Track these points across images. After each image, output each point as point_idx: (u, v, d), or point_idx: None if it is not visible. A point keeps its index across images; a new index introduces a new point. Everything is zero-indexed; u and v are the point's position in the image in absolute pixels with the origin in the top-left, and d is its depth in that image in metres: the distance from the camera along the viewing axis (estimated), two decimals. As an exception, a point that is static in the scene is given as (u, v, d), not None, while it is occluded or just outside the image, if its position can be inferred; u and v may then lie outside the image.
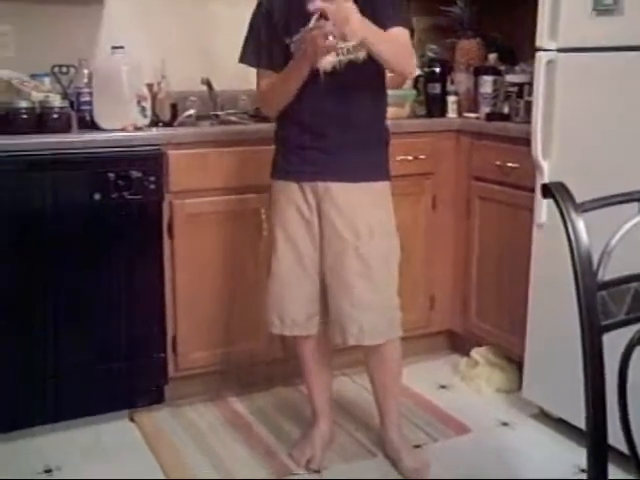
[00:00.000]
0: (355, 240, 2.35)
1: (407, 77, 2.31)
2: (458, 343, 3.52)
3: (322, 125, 2.33)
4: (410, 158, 3.17)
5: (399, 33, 2.29)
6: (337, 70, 2.28)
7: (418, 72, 3.33)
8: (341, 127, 2.33)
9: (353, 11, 2.07)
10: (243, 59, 2.47)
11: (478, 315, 3.34)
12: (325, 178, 2.36)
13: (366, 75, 2.31)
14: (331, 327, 2.44)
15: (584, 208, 1.22)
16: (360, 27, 2.08)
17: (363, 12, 2.14)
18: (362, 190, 2.37)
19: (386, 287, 2.43)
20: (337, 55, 2.27)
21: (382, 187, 2.43)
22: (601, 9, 2.48)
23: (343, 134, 2.34)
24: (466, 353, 3.35)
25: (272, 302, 2.49)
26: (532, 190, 2.80)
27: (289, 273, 2.44)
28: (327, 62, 2.27)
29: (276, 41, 2.37)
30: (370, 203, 2.39)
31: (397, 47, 2.27)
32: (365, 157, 2.38)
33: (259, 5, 2.45)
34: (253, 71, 2.49)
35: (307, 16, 2.20)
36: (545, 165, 2.73)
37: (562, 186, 1.23)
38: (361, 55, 2.27)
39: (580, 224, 1.19)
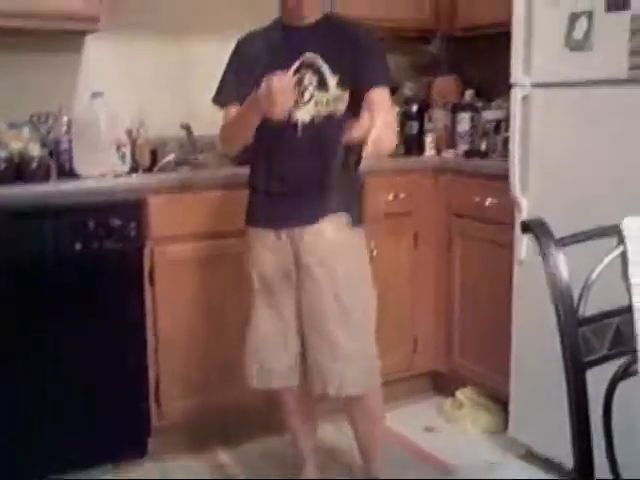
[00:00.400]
0: (333, 286, 2.32)
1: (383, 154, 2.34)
2: (442, 384, 3.49)
3: (298, 173, 2.32)
4: (390, 197, 3.17)
5: (381, 97, 2.28)
6: (315, 122, 2.29)
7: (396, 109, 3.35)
8: (317, 176, 2.31)
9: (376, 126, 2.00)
10: (216, 100, 2.46)
11: (462, 355, 3.33)
12: (300, 223, 2.33)
13: (343, 126, 2.23)
14: (310, 378, 2.40)
15: (563, 243, 1.23)
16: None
17: (343, 56, 2.20)
18: (338, 235, 2.34)
19: (365, 335, 2.40)
20: (316, 105, 2.28)
21: (357, 232, 2.41)
22: (572, 45, 2.52)
23: (317, 180, 2.32)
24: (451, 394, 3.32)
25: (251, 354, 2.45)
26: (512, 226, 2.81)
27: (267, 324, 2.41)
28: (306, 113, 2.28)
29: (252, 84, 2.30)
30: (347, 249, 2.37)
31: (387, 130, 2.15)
32: (339, 202, 2.34)
33: (238, 47, 2.45)
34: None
35: (285, 63, 2.23)
36: (524, 201, 2.75)
37: (541, 222, 1.24)
38: (340, 107, 2.29)
39: (560, 259, 1.20)
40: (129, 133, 3.05)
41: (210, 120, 3.39)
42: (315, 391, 2.41)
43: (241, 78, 2.37)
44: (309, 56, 2.29)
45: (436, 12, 3.64)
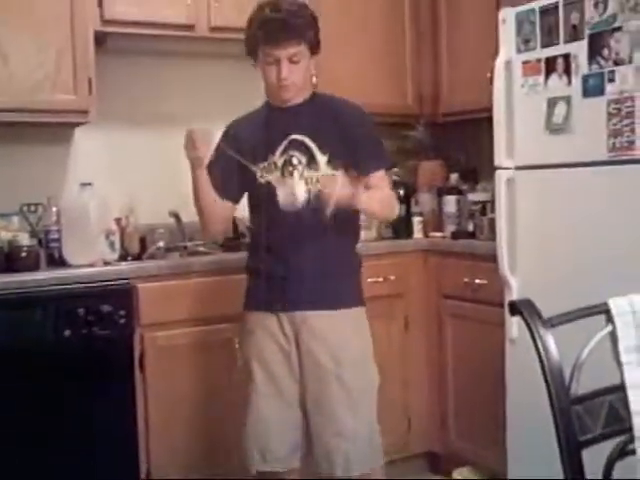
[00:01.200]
0: (336, 368, 2.30)
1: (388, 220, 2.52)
2: (438, 464, 3.44)
3: (295, 255, 2.31)
4: (380, 280, 3.19)
5: (381, 181, 2.38)
6: (308, 200, 2.29)
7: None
8: (315, 256, 2.31)
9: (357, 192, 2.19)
10: None
11: (457, 434, 3.29)
12: (302, 307, 2.32)
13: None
14: (316, 458, 2.36)
15: (552, 323, 1.23)
16: (364, 203, 2.23)
17: (332, 135, 2.26)
18: (340, 317, 2.34)
19: (369, 415, 2.38)
20: (307, 184, 2.29)
21: (359, 313, 2.41)
22: (553, 128, 2.59)
23: (317, 263, 2.32)
24: (448, 474, 3.26)
25: (252, 437, 2.39)
26: (502, 305, 2.82)
27: (269, 407, 2.36)
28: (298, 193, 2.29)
29: (240, 169, 2.36)
30: (349, 330, 2.36)
31: (384, 202, 2.39)
32: (341, 284, 2.36)
33: (226, 132, 2.48)
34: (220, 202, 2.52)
35: (274, 143, 2.27)
36: (513, 280, 2.77)
37: (529, 302, 1.25)
38: (332, 186, 2.26)
39: (549, 340, 1.20)
40: (118, 221, 3.08)
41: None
42: (321, 471, 2.37)
43: (226, 167, 2.37)
44: (296, 137, 2.31)
45: (419, 98, 3.74)
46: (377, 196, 2.33)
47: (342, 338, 2.33)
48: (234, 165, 2.35)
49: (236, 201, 2.47)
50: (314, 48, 2.35)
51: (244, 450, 2.43)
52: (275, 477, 2.43)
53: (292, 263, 2.32)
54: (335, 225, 2.27)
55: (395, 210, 2.53)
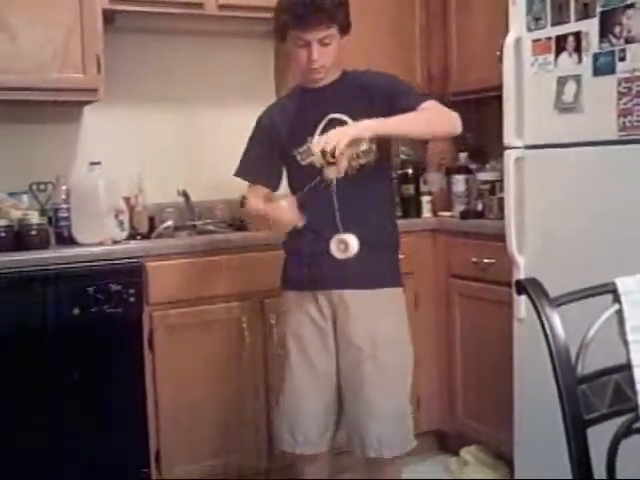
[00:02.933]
0: (371, 349, 2.30)
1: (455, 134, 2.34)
2: (447, 442, 3.46)
3: (334, 233, 2.16)
4: (389, 258, 3.19)
5: (427, 104, 2.26)
6: (349, 176, 2.19)
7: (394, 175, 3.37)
8: (354, 233, 2.15)
9: (345, 129, 2.09)
10: (238, 173, 2.47)
11: (465, 413, 3.31)
12: (339, 286, 2.31)
13: (376, 177, 2.32)
14: (349, 437, 2.38)
15: (559, 302, 1.23)
16: (360, 129, 2.07)
17: (368, 108, 2.20)
18: (377, 298, 2.33)
19: (401, 396, 2.38)
20: (348, 161, 2.21)
21: (396, 293, 2.41)
22: (562, 107, 2.57)
23: (357, 243, 2.20)
24: (456, 452, 3.28)
25: (284, 418, 2.41)
26: (510, 285, 2.81)
27: (303, 387, 2.37)
28: (340, 169, 2.14)
29: (276, 157, 2.38)
30: (386, 311, 2.35)
31: (425, 119, 2.23)
32: (379, 263, 2.34)
33: (259, 121, 2.48)
34: (229, 181, 2.54)
35: (312, 125, 2.26)
36: (521, 260, 2.76)
37: (535, 282, 1.25)
38: (371, 158, 2.30)
39: (556, 319, 1.20)
40: (127, 200, 3.09)
41: (207, 186, 3.47)
42: (354, 452, 2.39)
43: (263, 155, 2.41)
44: (334, 116, 2.29)
45: (428, 77, 3.71)
46: (402, 119, 2.17)
47: (378, 318, 2.33)
48: (271, 153, 2.38)
49: (276, 188, 2.46)
50: (345, 29, 2.31)
51: (275, 429, 2.47)
52: (302, 459, 2.44)
53: (330, 241, 2.24)
54: (374, 198, 2.29)
55: (451, 122, 2.29)
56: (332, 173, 2.09)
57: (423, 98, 2.30)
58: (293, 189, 2.42)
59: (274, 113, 2.46)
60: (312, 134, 2.29)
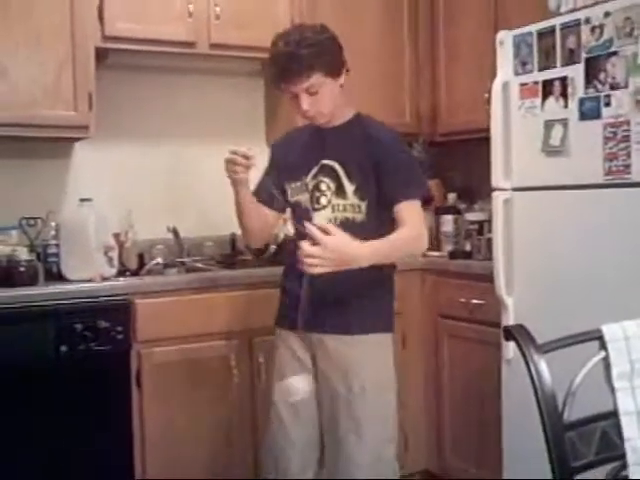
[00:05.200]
0: (347, 394, 2.28)
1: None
2: (435, 484, 3.44)
3: (315, 276, 2.12)
4: (377, 297, 3.19)
5: (409, 212, 2.23)
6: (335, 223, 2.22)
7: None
8: (334, 279, 2.12)
9: (345, 247, 2.04)
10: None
11: (454, 454, 3.29)
12: (317, 330, 2.31)
13: (363, 231, 2.18)
14: (328, 476, 2.36)
15: (545, 349, 1.24)
16: (359, 257, 2.07)
17: (364, 165, 2.22)
18: (355, 343, 2.30)
19: (378, 443, 2.32)
20: (333, 211, 2.28)
21: (379, 339, 2.35)
22: (549, 150, 2.61)
23: (336, 286, 2.23)
24: (444, 494, 3.27)
25: (267, 452, 2.43)
26: (498, 326, 2.83)
27: (284, 422, 2.37)
28: (323, 217, 2.25)
29: (278, 186, 2.40)
30: (364, 357, 2.30)
31: (405, 244, 2.23)
32: (360, 310, 2.31)
33: (271, 145, 2.61)
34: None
35: (308, 165, 2.30)
36: (509, 301, 2.78)
37: (522, 328, 1.26)
38: (358, 216, 2.26)
39: (542, 365, 1.21)
40: (117, 237, 3.09)
41: (196, 222, 3.48)
42: None
43: (267, 178, 2.44)
44: (327, 162, 2.30)
45: (417, 118, 3.75)
46: (385, 246, 2.17)
47: (356, 364, 2.29)
48: (273, 177, 2.43)
49: (280, 210, 2.49)
50: (334, 72, 2.23)
51: (262, 462, 2.47)
52: None
53: (315, 285, 2.27)
54: None
55: (418, 247, 2.32)
56: (318, 219, 2.16)
57: (411, 192, 2.25)
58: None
59: (282, 143, 2.54)
60: (306, 174, 2.33)
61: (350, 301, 2.29)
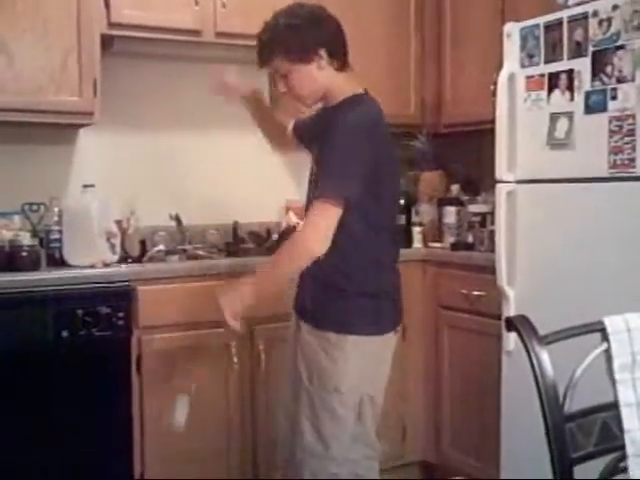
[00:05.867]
0: (308, 383, 2.27)
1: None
2: (432, 474, 3.45)
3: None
4: (378, 288, 3.19)
5: (311, 212, 2.18)
6: None
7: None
8: (314, 271, 2.20)
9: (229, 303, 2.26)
10: None
11: (452, 445, 3.30)
12: (299, 316, 2.37)
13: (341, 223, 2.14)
14: (290, 469, 2.36)
15: (547, 340, 1.24)
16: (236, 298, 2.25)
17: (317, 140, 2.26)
18: (322, 339, 2.25)
19: (332, 440, 2.26)
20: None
21: (339, 340, 2.23)
22: (554, 143, 2.60)
23: (313, 279, 2.29)
24: (442, 484, 3.28)
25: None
26: (499, 318, 2.83)
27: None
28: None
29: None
30: (323, 352, 2.25)
31: (288, 257, 2.21)
32: (327, 306, 2.27)
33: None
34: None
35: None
36: (511, 293, 2.78)
37: (524, 319, 1.26)
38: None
39: (544, 357, 1.21)
40: (119, 223, 3.09)
41: (199, 210, 3.48)
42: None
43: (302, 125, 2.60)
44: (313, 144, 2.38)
45: (421, 109, 3.75)
46: (264, 272, 2.26)
47: (316, 356, 2.26)
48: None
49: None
50: (298, 57, 2.18)
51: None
52: None
53: (301, 275, 2.35)
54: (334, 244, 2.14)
55: (299, 253, 2.17)
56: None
57: (324, 190, 2.13)
58: None
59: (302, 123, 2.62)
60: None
61: (321, 296, 2.30)
